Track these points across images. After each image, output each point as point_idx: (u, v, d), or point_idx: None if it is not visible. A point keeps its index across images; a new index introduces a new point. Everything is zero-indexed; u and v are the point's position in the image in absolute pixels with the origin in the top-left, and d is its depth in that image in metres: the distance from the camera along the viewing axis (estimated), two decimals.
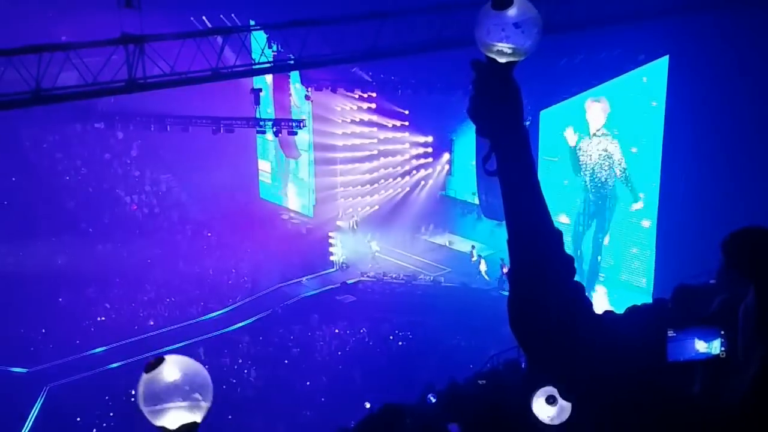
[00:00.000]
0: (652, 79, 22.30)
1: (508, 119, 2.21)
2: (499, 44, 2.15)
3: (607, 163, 23.94)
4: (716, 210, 20.20)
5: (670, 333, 1.99)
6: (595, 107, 23.74)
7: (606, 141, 23.82)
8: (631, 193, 23.61)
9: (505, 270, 27.48)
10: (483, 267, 28.11)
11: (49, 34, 23.12)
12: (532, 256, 2.17)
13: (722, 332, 1.98)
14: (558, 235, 2.20)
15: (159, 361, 2.19)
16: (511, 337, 2.21)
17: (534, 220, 2.19)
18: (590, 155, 24.26)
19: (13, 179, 27.89)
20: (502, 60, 2.17)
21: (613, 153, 23.75)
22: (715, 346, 1.99)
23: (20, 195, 27.62)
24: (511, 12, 2.13)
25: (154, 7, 17.11)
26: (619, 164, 23.67)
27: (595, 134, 23.98)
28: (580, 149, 24.48)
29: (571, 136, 24.55)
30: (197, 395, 2.21)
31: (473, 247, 29.12)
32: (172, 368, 2.20)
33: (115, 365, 22.48)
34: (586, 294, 2.22)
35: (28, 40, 14.55)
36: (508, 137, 2.21)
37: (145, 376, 2.19)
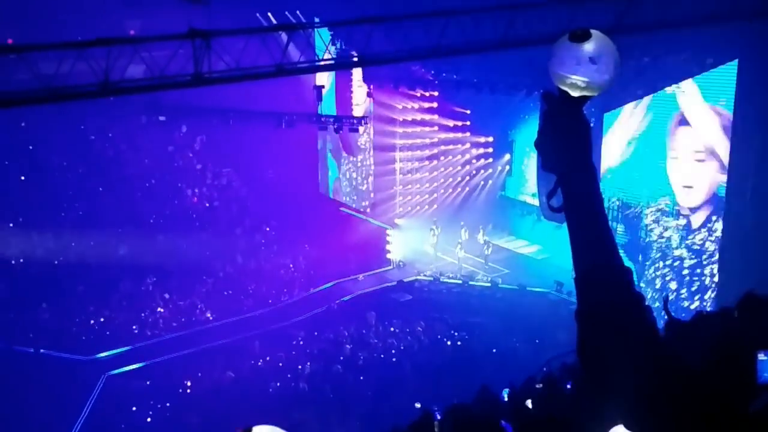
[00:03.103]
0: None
1: (577, 155, 2.14)
2: (573, 77, 2.10)
3: None
4: None
5: (761, 356, 1.90)
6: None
7: None
8: None
9: (488, 246, 28.84)
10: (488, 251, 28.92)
11: (118, 28, 23.65)
12: (601, 295, 2.08)
13: None
14: (628, 273, 2.11)
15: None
16: (568, 341, 2.13)
17: (602, 258, 2.10)
18: None
19: (80, 170, 28.51)
20: (575, 93, 2.13)
21: None
22: None
23: (85, 185, 28.22)
24: (588, 46, 2.09)
25: (221, 4, 17.36)
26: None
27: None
28: None
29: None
30: None
31: (482, 230, 29.49)
32: None
33: (171, 356, 22.82)
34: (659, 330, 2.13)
35: (99, 34, 14.81)
36: (576, 174, 2.14)
37: None
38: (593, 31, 2.10)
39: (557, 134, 2.15)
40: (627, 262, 2.13)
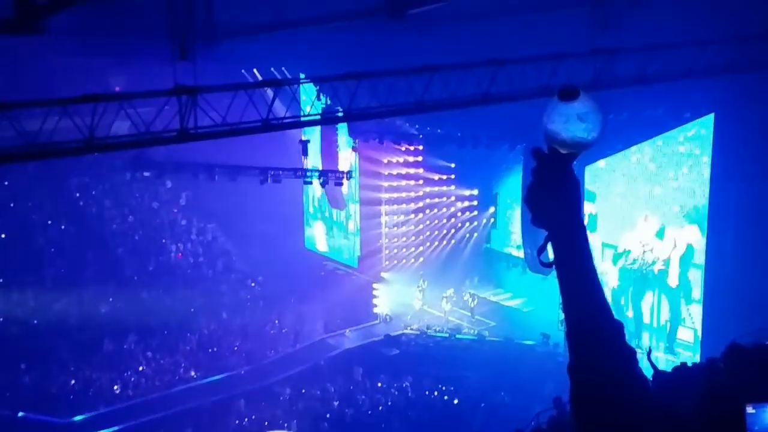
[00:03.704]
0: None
1: (567, 212, 2.16)
2: (563, 134, 2.15)
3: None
4: (766, 269, 19.87)
5: (750, 409, 1.90)
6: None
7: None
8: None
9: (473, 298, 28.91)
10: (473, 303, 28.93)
11: (104, 84, 23.73)
12: (593, 351, 2.09)
13: None
14: (619, 328, 2.12)
15: None
16: (556, 394, 2.12)
17: (594, 314, 2.11)
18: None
19: (63, 227, 28.34)
20: (564, 151, 2.17)
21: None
22: None
23: (68, 242, 28.03)
24: (577, 105, 2.14)
25: (207, 60, 17.46)
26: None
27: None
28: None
29: None
30: None
31: (468, 282, 29.51)
32: None
33: (154, 416, 22.38)
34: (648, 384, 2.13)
35: (84, 90, 14.84)
36: (566, 230, 2.16)
37: None
38: (582, 90, 2.16)
39: (547, 191, 2.17)
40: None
